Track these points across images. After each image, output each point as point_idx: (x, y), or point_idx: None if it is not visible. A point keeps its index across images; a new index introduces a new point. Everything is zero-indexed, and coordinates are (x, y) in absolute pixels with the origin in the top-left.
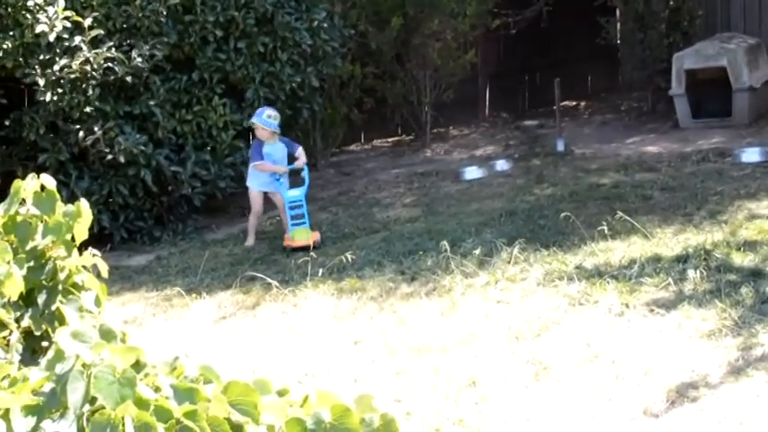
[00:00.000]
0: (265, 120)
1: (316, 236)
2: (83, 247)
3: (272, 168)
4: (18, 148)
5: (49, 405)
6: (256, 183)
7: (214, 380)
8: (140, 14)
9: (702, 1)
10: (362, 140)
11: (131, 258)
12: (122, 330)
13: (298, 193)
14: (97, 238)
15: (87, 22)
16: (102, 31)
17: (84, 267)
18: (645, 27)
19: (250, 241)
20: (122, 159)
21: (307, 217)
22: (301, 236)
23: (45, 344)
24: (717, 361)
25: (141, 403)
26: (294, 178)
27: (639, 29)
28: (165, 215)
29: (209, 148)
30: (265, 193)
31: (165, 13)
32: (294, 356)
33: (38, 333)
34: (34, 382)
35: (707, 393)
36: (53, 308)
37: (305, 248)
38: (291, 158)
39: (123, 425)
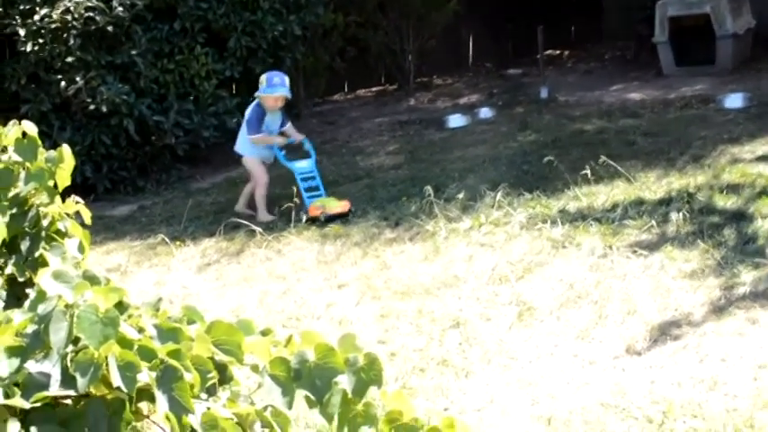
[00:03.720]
0: (268, 88)
1: (347, 203)
2: (66, 196)
3: (270, 140)
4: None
5: (33, 346)
6: (251, 151)
7: (198, 320)
8: None
9: None
10: (346, 90)
11: (115, 208)
12: (106, 277)
13: (306, 164)
14: (80, 189)
15: None
16: None
17: (67, 215)
18: None
19: (263, 216)
20: (105, 109)
21: (322, 187)
22: (333, 204)
23: (29, 291)
24: (699, 300)
25: (125, 343)
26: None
27: None
28: (149, 165)
29: (191, 98)
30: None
31: None
32: (278, 301)
33: (21, 279)
34: (17, 323)
35: (689, 332)
36: (36, 254)
37: (341, 216)
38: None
39: (107, 364)
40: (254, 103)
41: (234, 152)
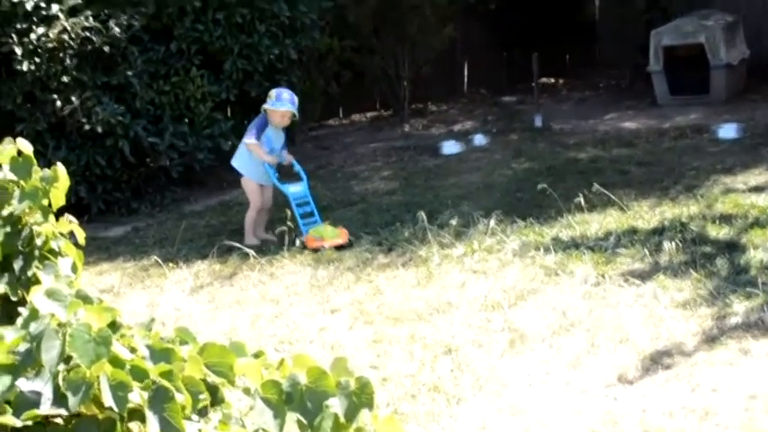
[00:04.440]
0: (276, 102)
1: (345, 233)
2: (59, 216)
3: (262, 156)
4: None
5: (25, 364)
6: (249, 172)
7: (190, 341)
8: None
9: None
10: (341, 115)
11: (108, 229)
12: (98, 297)
13: (300, 188)
14: (75, 210)
15: None
16: (79, 1)
17: (60, 234)
18: (623, 3)
19: (249, 239)
20: (100, 130)
21: (317, 213)
22: (331, 234)
23: (21, 309)
24: (691, 330)
25: (117, 362)
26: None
27: (618, 5)
28: (143, 186)
29: (186, 120)
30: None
31: None
32: (271, 325)
33: (14, 299)
34: (9, 341)
35: (681, 361)
36: (29, 273)
37: (339, 247)
38: None
39: (98, 383)
40: (260, 115)
41: (231, 165)
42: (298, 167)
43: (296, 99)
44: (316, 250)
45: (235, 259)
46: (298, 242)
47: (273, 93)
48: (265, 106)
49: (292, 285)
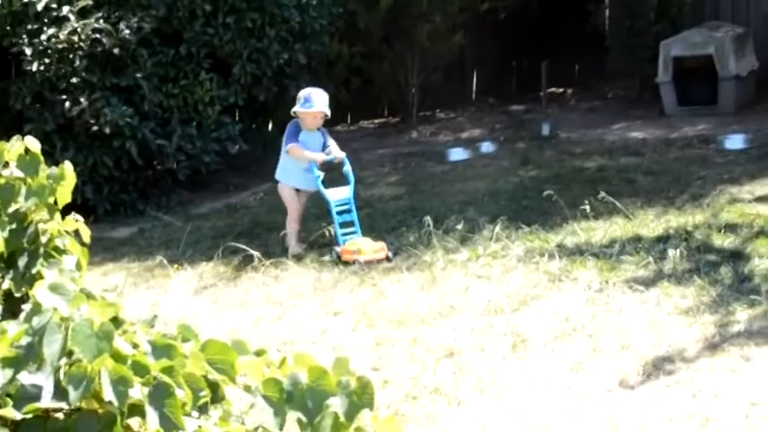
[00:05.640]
0: (305, 104)
1: (383, 248)
2: (65, 216)
3: (307, 155)
4: (4, 117)
5: (27, 357)
6: (286, 176)
7: (192, 338)
8: None
9: None
10: (349, 121)
11: (114, 230)
12: (102, 296)
13: (343, 193)
14: (81, 210)
15: None
16: (90, 2)
17: (66, 232)
18: (633, 14)
19: (293, 248)
20: (108, 131)
21: (358, 224)
22: (369, 248)
23: (25, 306)
24: (694, 336)
25: (118, 357)
26: (331, 175)
27: (628, 16)
28: (150, 188)
29: (194, 123)
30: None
31: None
32: (273, 326)
33: (18, 295)
34: (12, 335)
35: (683, 367)
36: (34, 270)
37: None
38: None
39: (100, 378)
40: (292, 121)
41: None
42: (347, 168)
43: (326, 97)
44: (349, 263)
45: (240, 261)
46: (333, 253)
47: (302, 94)
48: (295, 109)
49: (296, 287)
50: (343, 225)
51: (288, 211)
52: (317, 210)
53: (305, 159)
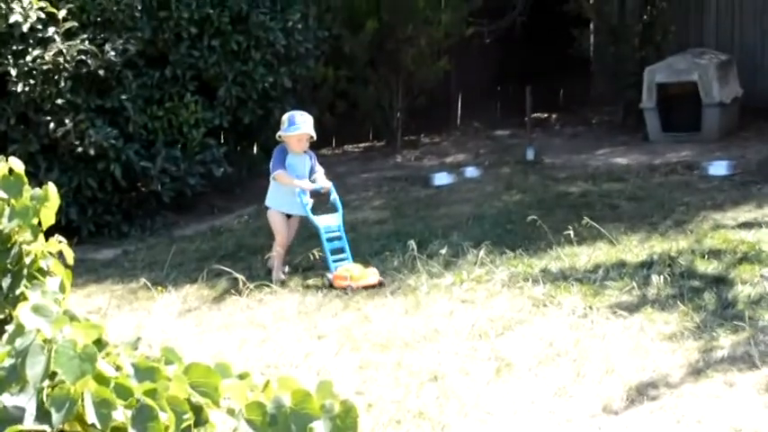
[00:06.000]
0: (289, 127)
1: (375, 273)
2: (49, 237)
3: (296, 184)
4: None
5: (9, 379)
6: (276, 202)
7: (176, 361)
8: (115, 8)
9: (675, 16)
10: (333, 145)
11: (98, 252)
12: (85, 318)
13: (332, 220)
14: (65, 232)
15: (62, 13)
16: (76, 24)
17: (50, 253)
18: (618, 40)
19: (276, 274)
20: (92, 152)
21: (348, 250)
22: (361, 274)
23: (8, 328)
24: (677, 362)
25: (101, 379)
26: (319, 202)
27: (612, 42)
28: (134, 210)
29: (179, 145)
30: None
31: (139, 7)
32: (257, 349)
33: (1, 316)
34: None
35: (666, 393)
36: (17, 292)
37: (369, 287)
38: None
39: (83, 400)
40: (278, 146)
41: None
42: (334, 197)
43: (311, 119)
44: (343, 290)
45: (224, 284)
46: (325, 280)
47: (285, 118)
48: (280, 133)
49: (280, 311)
50: (333, 252)
51: (276, 238)
52: (303, 231)
53: (291, 185)
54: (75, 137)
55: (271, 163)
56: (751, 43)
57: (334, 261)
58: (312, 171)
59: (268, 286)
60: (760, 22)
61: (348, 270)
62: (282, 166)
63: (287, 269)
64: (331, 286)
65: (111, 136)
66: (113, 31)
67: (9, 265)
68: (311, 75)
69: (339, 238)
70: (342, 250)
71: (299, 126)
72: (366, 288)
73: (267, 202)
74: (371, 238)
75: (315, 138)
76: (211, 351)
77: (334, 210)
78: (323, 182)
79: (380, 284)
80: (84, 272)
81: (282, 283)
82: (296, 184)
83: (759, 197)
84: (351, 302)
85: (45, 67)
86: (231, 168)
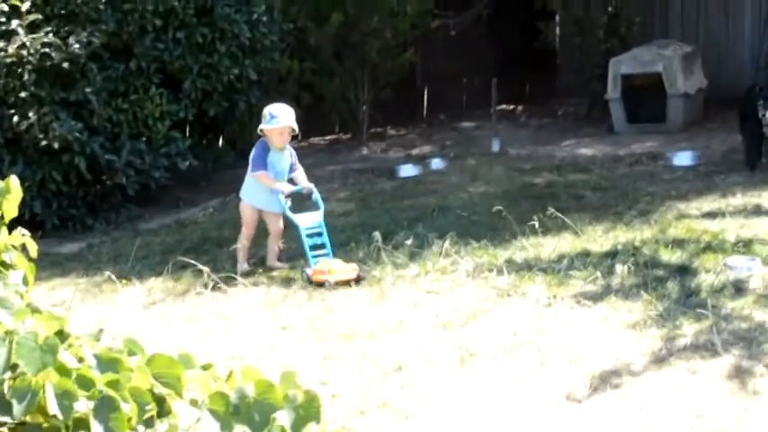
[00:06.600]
0: (271, 120)
1: (355, 268)
2: (12, 230)
3: (273, 184)
4: None
5: None
6: (249, 195)
7: (138, 352)
8: (79, 1)
9: (640, 8)
10: (299, 137)
11: (62, 245)
12: (48, 310)
13: (312, 218)
14: (29, 225)
15: (25, 6)
16: (39, 16)
17: (12, 246)
18: (583, 32)
19: (243, 266)
20: (57, 146)
21: (329, 246)
22: (339, 269)
23: None
24: (641, 350)
25: (63, 371)
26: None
27: (578, 34)
28: (98, 203)
29: (144, 138)
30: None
31: (103, 0)
32: (222, 340)
33: None
34: None
35: (629, 381)
36: None
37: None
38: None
39: (44, 391)
40: (259, 140)
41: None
42: (316, 196)
43: (292, 112)
44: (321, 284)
45: (189, 276)
46: (304, 275)
47: (266, 111)
48: (261, 127)
49: (245, 303)
50: (313, 248)
51: (242, 229)
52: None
53: (271, 187)
54: (39, 130)
55: (251, 157)
56: (716, 35)
57: (314, 256)
58: (293, 167)
59: (233, 278)
60: (725, 14)
61: (327, 264)
62: (264, 166)
63: (252, 261)
64: (309, 281)
65: (75, 129)
66: (77, 24)
67: None
68: (276, 67)
69: (320, 234)
70: (323, 246)
71: (279, 119)
72: (345, 283)
73: (241, 194)
74: (337, 229)
75: (297, 131)
76: (176, 343)
77: (315, 208)
78: (304, 182)
79: (359, 280)
80: (48, 265)
81: (247, 275)
82: (277, 187)
83: (723, 187)
84: (315, 294)
85: (8, 60)
86: (196, 161)
